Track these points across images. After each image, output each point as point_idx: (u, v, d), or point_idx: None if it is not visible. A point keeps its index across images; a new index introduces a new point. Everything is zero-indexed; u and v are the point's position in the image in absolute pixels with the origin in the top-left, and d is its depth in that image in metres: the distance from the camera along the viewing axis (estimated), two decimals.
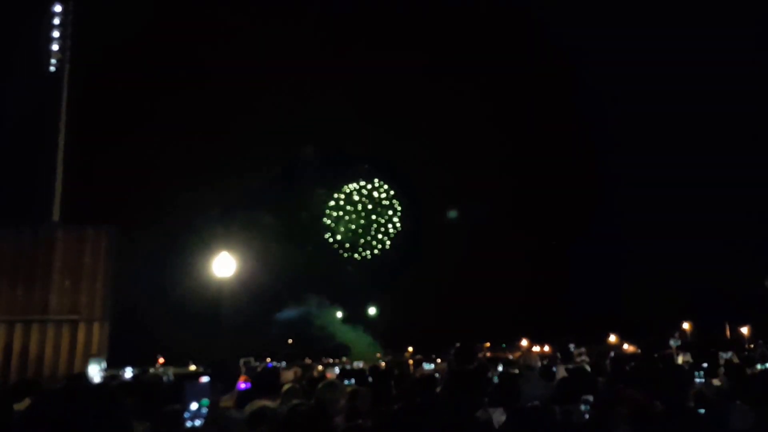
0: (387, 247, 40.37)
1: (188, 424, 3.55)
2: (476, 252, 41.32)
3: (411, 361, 18.82)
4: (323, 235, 40.57)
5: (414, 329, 39.23)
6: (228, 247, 12.77)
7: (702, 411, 4.21)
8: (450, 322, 37.08)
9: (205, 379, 4.11)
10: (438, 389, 5.78)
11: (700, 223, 37.99)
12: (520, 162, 43.10)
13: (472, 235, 41.88)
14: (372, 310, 37.12)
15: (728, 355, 10.57)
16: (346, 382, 6.98)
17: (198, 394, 3.56)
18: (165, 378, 9.33)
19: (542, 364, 8.66)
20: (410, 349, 39.32)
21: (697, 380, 6.39)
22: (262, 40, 36.34)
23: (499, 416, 4.12)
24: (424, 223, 43.35)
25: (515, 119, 43.09)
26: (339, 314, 37.03)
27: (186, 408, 3.59)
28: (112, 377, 9.65)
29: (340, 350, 34.57)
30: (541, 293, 41.44)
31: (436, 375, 7.04)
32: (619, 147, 42.75)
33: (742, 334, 33.05)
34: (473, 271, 40.41)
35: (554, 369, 7.21)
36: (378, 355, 32.33)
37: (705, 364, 8.11)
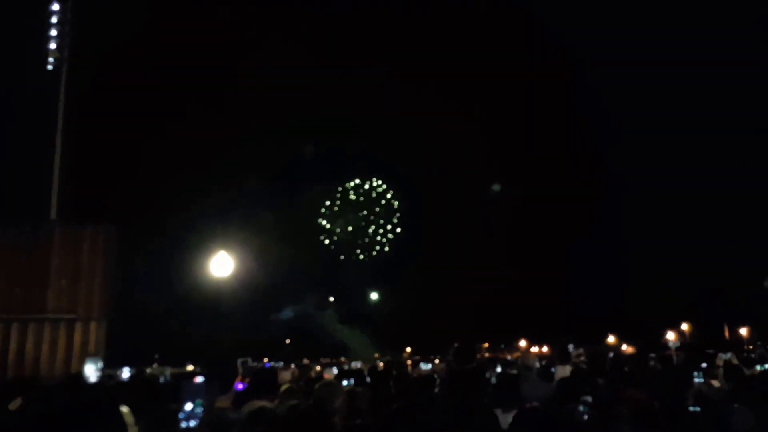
0: (386, 249, 40.33)
1: (183, 424, 3.52)
2: (475, 252, 41.32)
3: (409, 362, 18.81)
4: (322, 235, 40.55)
5: (412, 329, 39.23)
6: (226, 247, 12.74)
7: (700, 411, 4.20)
8: (448, 323, 37.06)
9: (200, 379, 4.07)
10: (436, 389, 5.76)
11: (698, 224, 38.04)
12: (520, 163, 43.03)
13: (471, 235, 41.88)
14: (374, 296, 37.01)
15: (727, 356, 10.55)
16: (344, 382, 6.96)
17: (193, 394, 3.53)
18: (162, 378, 9.29)
19: (541, 364, 8.65)
20: (408, 349, 39.34)
21: (696, 380, 6.38)
22: (261, 38, 36.29)
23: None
24: (423, 223, 43.34)
25: (517, 118, 42.95)
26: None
27: (181, 408, 3.55)
28: (108, 377, 9.60)
29: (338, 350, 34.53)
30: (540, 293, 41.45)
31: (435, 375, 7.02)
32: (619, 150, 42.66)
33: (741, 336, 33.06)
34: (472, 271, 40.39)
35: (553, 370, 7.19)
36: (376, 355, 32.31)
37: (704, 365, 8.11)
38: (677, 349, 17.16)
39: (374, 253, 40.45)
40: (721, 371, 6.65)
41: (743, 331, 33.35)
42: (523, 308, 41.51)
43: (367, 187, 41.82)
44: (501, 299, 41.01)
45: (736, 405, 4.03)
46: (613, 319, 40.31)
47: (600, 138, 43.13)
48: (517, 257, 42.22)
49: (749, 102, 35.30)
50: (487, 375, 7.17)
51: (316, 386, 4.30)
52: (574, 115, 43.72)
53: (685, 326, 35.02)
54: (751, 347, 25.22)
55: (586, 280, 40.98)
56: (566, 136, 43.42)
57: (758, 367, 8.61)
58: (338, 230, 40.64)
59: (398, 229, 41.73)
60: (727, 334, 34.91)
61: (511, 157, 42.45)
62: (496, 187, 40.66)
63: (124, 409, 2.45)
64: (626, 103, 40.44)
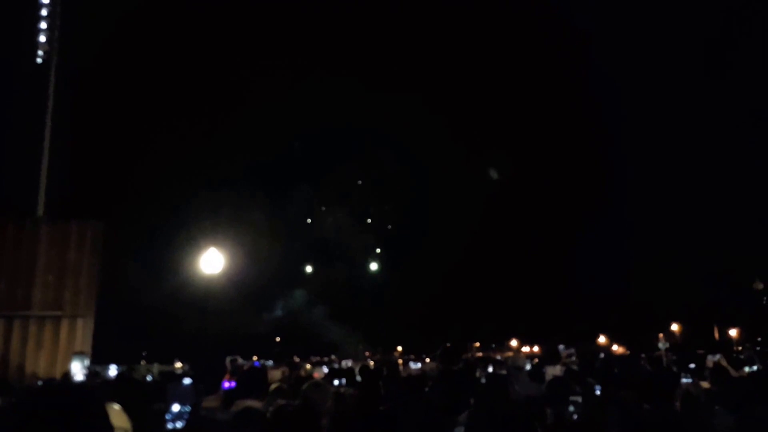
0: (377, 251, 40.29)
1: (170, 425, 3.45)
2: (469, 252, 41.36)
3: (400, 361, 18.84)
4: (313, 233, 40.45)
5: (404, 328, 39.27)
6: (216, 244, 12.63)
7: (686, 412, 4.21)
8: (441, 322, 37.16)
9: (187, 380, 4.00)
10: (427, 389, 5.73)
11: (690, 225, 38.26)
12: (518, 161, 42.55)
13: (465, 235, 41.89)
14: (374, 266, 36.91)
15: (716, 357, 10.62)
16: (335, 382, 6.93)
17: (180, 395, 3.46)
18: (149, 376, 9.20)
19: (532, 364, 8.66)
20: (399, 348, 39.39)
21: (684, 380, 6.40)
22: (253, 30, 36.09)
23: None
24: (416, 222, 43.32)
25: (517, 108, 42.22)
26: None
27: (168, 409, 3.49)
28: (94, 375, 9.48)
29: (328, 348, 34.45)
30: (533, 293, 41.61)
31: (425, 374, 6.99)
32: (617, 153, 42.38)
33: (731, 337, 33.31)
34: (466, 271, 40.48)
35: (544, 370, 7.19)
36: (367, 353, 32.31)
37: (692, 365, 8.17)
38: (667, 350, 17.30)
39: (366, 255, 40.38)
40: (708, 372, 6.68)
41: (733, 333, 33.62)
42: (516, 307, 41.69)
43: (359, 185, 41.81)
44: (493, 298, 41.15)
45: (717, 407, 4.04)
46: (604, 319, 40.58)
47: (599, 139, 42.59)
48: (511, 256, 42.39)
49: (753, 100, 34.78)
50: (477, 375, 7.16)
51: (304, 386, 4.24)
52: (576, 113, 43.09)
53: (675, 327, 35.30)
54: (740, 348, 25.44)
55: (578, 280, 41.28)
56: (566, 134, 42.86)
57: (746, 369, 8.68)
58: (329, 229, 40.59)
59: (389, 227, 41.74)
60: (716, 335, 35.19)
61: (509, 155, 42.03)
62: (494, 174, 40.36)
63: (116, 407, 2.39)
64: (630, 95, 39.85)
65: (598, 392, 5.40)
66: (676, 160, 39.80)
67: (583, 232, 42.58)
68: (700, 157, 37.04)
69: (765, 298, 30.58)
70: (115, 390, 4.75)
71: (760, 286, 27.72)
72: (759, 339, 31.44)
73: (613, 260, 41.28)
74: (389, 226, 41.47)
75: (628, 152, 41.67)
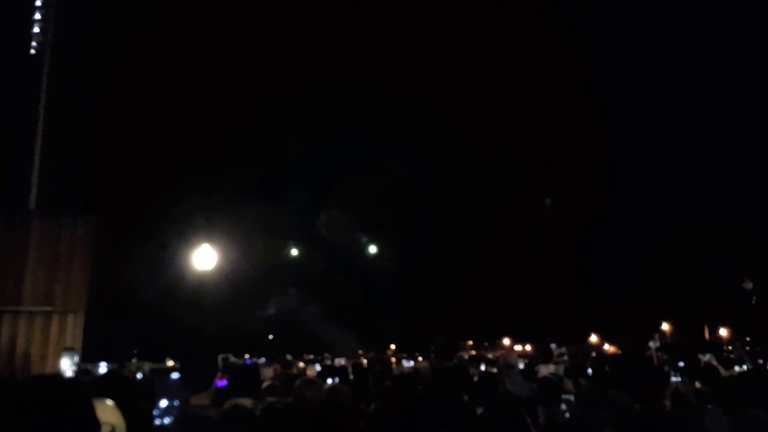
0: (373, 249, 40.24)
1: (157, 421, 3.42)
2: (466, 251, 41.38)
3: (393, 359, 18.83)
4: (311, 231, 40.36)
5: (398, 326, 39.30)
6: (209, 239, 12.60)
7: (677, 413, 4.23)
8: (436, 320, 37.22)
9: (175, 375, 3.97)
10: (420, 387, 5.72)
11: (681, 224, 38.39)
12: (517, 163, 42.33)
13: (462, 235, 41.91)
14: (372, 249, 36.80)
15: (707, 357, 10.69)
16: (329, 380, 6.93)
17: (169, 391, 3.43)
18: (139, 373, 9.14)
19: (525, 363, 8.69)
20: (392, 346, 39.47)
21: (673, 379, 6.44)
22: (252, 31, 35.90)
23: None
24: (413, 220, 43.28)
25: (519, 99, 41.79)
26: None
27: (155, 405, 3.46)
28: (84, 372, 9.42)
29: (321, 347, 34.42)
30: (526, 292, 41.70)
31: (418, 372, 6.99)
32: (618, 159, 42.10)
33: (721, 336, 33.56)
34: (462, 270, 40.49)
35: (536, 369, 7.22)
36: (360, 351, 32.34)
37: (681, 363, 8.22)
38: (657, 349, 17.38)
39: (363, 254, 40.31)
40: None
41: (723, 332, 33.86)
42: (509, 306, 41.79)
43: (358, 186, 41.71)
44: (488, 297, 41.23)
45: (709, 406, 4.06)
46: (595, 319, 40.73)
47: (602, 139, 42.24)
48: (506, 256, 42.42)
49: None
50: (470, 373, 7.17)
51: (296, 383, 4.22)
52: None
53: (665, 326, 35.54)
54: (730, 348, 25.64)
55: (571, 280, 41.39)
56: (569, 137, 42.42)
57: (737, 368, 8.74)
58: (326, 228, 40.52)
59: (386, 227, 41.65)
60: (707, 334, 35.43)
61: (515, 155, 41.69)
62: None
63: (109, 402, 2.36)
64: (638, 93, 39.30)
65: (589, 392, 5.42)
66: (676, 158, 39.65)
67: (580, 232, 42.69)
68: (701, 156, 36.91)
69: (754, 298, 30.81)
70: (105, 387, 4.70)
71: (750, 285, 27.95)
72: (748, 339, 31.69)
73: (608, 260, 41.47)
74: (386, 226, 41.44)
75: (630, 153, 41.58)
